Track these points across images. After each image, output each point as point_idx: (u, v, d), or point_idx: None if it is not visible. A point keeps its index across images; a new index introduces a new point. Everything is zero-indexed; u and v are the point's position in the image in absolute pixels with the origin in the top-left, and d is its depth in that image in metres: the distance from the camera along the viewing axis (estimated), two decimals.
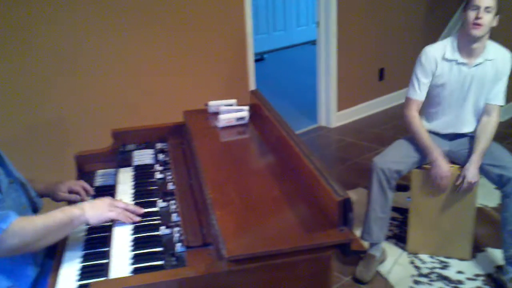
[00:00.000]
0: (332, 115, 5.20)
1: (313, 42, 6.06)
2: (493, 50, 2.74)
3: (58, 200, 2.03)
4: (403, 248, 3.09)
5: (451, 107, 2.84)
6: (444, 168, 2.76)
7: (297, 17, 8.70)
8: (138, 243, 1.64)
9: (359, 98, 5.42)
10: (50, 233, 1.57)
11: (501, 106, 2.82)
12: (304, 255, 1.43)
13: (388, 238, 3.16)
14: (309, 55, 6.81)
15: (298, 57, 8.15)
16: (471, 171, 2.72)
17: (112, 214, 1.71)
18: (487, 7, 2.58)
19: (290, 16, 8.60)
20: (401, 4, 5.48)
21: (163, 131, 2.48)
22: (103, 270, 1.54)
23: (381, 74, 5.54)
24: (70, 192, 2.02)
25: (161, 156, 2.27)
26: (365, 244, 2.97)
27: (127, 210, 1.77)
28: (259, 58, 7.90)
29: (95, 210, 1.68)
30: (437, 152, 2.77)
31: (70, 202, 2.00)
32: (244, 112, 2.40)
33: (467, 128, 2.87)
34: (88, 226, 1.78)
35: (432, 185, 2.84)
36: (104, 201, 1.74)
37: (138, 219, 1.77)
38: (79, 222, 1.64)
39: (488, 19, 2.60)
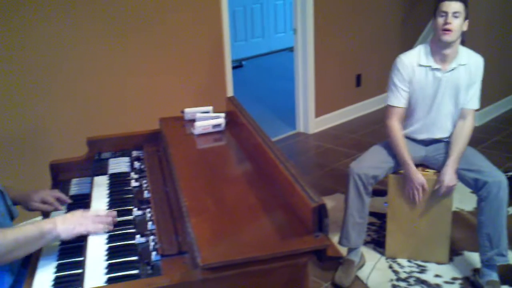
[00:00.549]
0: (310, 121, 5.22)
1: (291, 49, 6.08)
2: (466, 55, 2.77)
3: (30, 210, 1.99)
4: (382, 253, 3.10)
5: (426, 113, 2.86)
6: (419, 180, 2.80)
7: (275, 24, 8.73)
8: (113, 252, 1.62)
9: (336, 104, 5.45)
10: (21, 246, 1.55)
11: (476, 110, 2.86)
12: (280, 261, 1.43)
13: (366, 243, 3.17)
14: (287, 61, 6.84)
15: (277, 64, 8.18)
16: (449, 175, 2.74)
17: (82, 229, 1.69)
18: (454, 12, 2.62)
19: (268, 23, 8.63)
20: (377, 11, 5.53)
21: (139, 138, 2.47)
22: (77, 280, 1.52)
23: (358, 80, 5.58)
24: (43, 202, 1.99)
25: (137, 164, 2.26)
26: (344, 249, 2.98)
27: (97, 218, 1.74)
28: (238, 65, 7.92)
29: (66, 225, 1.66)
30: (413, 167, 2.80)
31: (44, 213, 1.97)
32: (220, 119, 2.40)
33: (442, 134, 2.90)
34: None
35: (408, 196, 2.88)
36: (75, 214, 1.72)
37: (110, 222, 1.74)
38: (51, 236, 1.62)
39: (457, 24, 2.63)
